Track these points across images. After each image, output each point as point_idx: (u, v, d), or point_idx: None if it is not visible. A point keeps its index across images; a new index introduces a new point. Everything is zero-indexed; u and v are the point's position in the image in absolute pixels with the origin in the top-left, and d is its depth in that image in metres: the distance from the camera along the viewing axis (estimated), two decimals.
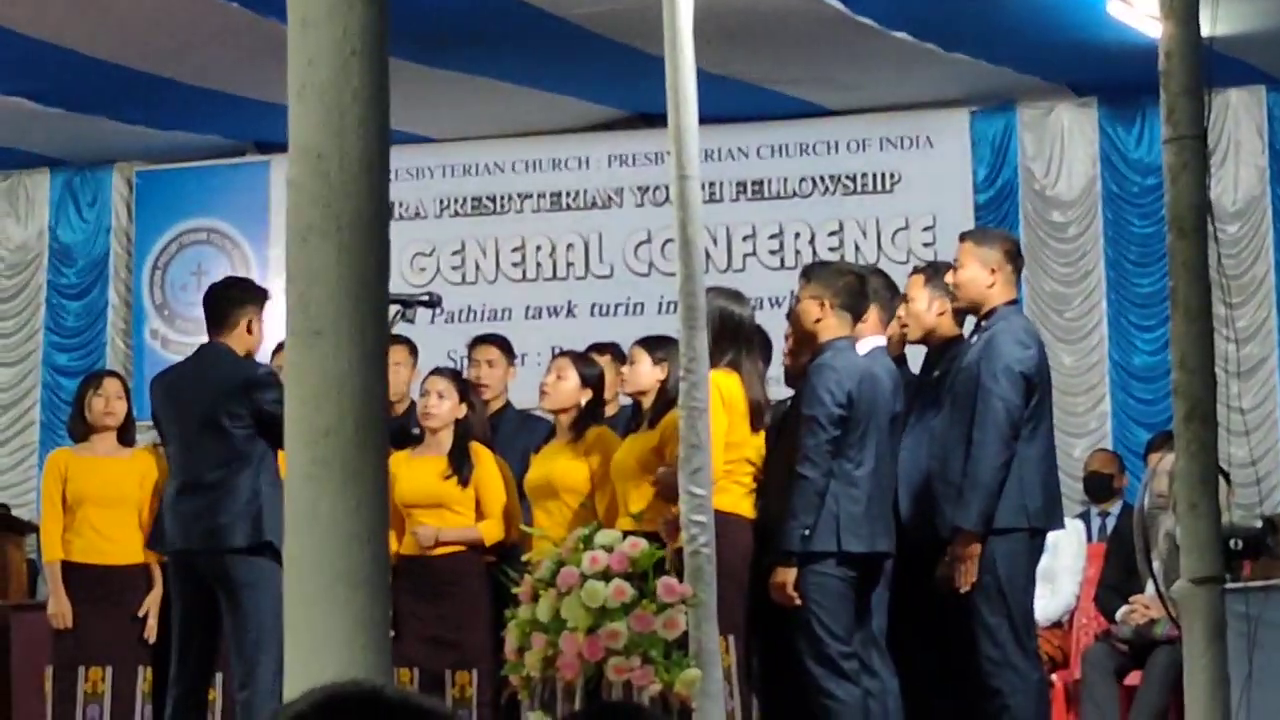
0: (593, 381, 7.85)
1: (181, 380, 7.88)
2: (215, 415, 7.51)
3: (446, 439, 7.78)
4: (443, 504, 7.72)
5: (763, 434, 7.35)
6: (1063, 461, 8.29)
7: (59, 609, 8.05)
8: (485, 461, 7.88)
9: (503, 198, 12.15)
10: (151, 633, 8.04)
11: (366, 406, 2.96)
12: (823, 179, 11.70)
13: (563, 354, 8.12)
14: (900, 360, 7.51)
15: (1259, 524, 8.08)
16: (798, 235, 11.50)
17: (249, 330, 7.66)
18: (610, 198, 11.90)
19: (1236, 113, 10.80)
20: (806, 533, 7.02)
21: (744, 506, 7.15)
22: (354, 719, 1.73)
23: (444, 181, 12.06)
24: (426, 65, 9.60)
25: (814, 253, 10.80)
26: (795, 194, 11.71)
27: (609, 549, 6.68)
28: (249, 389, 7.45)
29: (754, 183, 11.66)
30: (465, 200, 12.14)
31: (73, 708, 7.95)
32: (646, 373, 7.58)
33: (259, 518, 7.39)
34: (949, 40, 10.15)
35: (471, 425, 7.94)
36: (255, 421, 7.40)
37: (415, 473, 7.61)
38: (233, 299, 7.81)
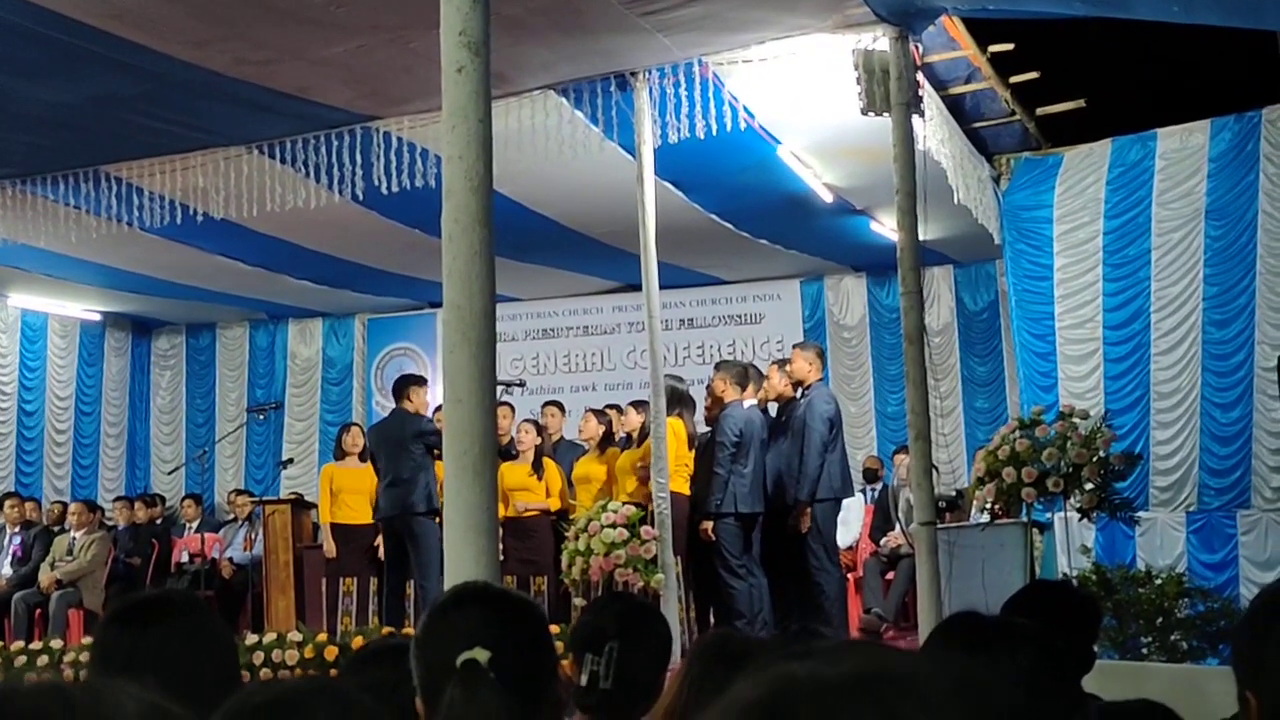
0: (605, 424, 7.83)
1: (387, 427, 7.81)
2: (405, 445, 7.46)
3: (530, 455, 7.73)
4: (527, 489, 7.65)
5: (694, 451, 7.31)
6: (851, 461, 8.22)
7: (329, 547, 8.01)
8: (550, 467, 7.83)
9: (556, 328, 12.01)
10: (378, 555, 7.91)
11: (485, 437, 2.95)
12: (723, 316, 11.59)
13: (589, 411, 8.08)
14: (765, 410, 7.47)
15: (953, 494, 8.08)
16: (711, 346, 11.43)
17: (411, 399, 7.59)
18: (615, 327, 11.74)
19: (937, 279, 10.76)
20: (718, 503, 7.01)
21: (684, 489, 7.09)
22: (476, 598, 1.72)
23: (526, 320, 11.93)
24: (515, 260, 9.58)
25: (720, 355, 10.73)
26: (708, 325, 11.61)
27: (615, 511, 6.66)
28: (420, 434, 7.41)
29: (688, 319, 11.56)
30: (538, 330, 12.01)
31: (335, 601, 7.86)
32: (635, 419, 7.55)
33: (430, 498, 7.33)
34: (790, 243, 10.13)
35: (542, 448, 7.89)
36: (424, 448, 7.36)
37: (513, 472, 7.57)
38: (403, 384, 7.75)
